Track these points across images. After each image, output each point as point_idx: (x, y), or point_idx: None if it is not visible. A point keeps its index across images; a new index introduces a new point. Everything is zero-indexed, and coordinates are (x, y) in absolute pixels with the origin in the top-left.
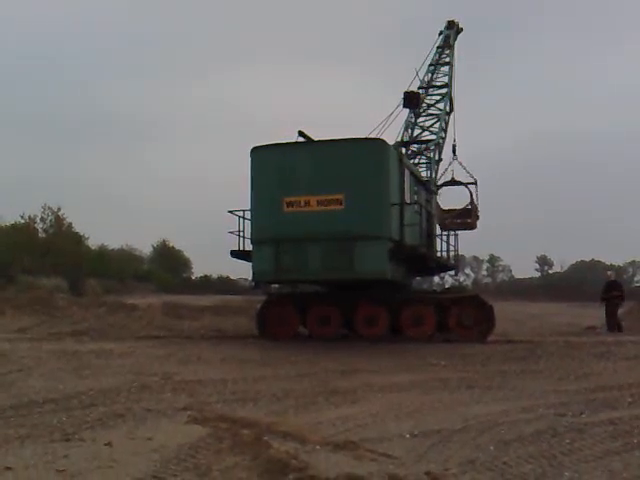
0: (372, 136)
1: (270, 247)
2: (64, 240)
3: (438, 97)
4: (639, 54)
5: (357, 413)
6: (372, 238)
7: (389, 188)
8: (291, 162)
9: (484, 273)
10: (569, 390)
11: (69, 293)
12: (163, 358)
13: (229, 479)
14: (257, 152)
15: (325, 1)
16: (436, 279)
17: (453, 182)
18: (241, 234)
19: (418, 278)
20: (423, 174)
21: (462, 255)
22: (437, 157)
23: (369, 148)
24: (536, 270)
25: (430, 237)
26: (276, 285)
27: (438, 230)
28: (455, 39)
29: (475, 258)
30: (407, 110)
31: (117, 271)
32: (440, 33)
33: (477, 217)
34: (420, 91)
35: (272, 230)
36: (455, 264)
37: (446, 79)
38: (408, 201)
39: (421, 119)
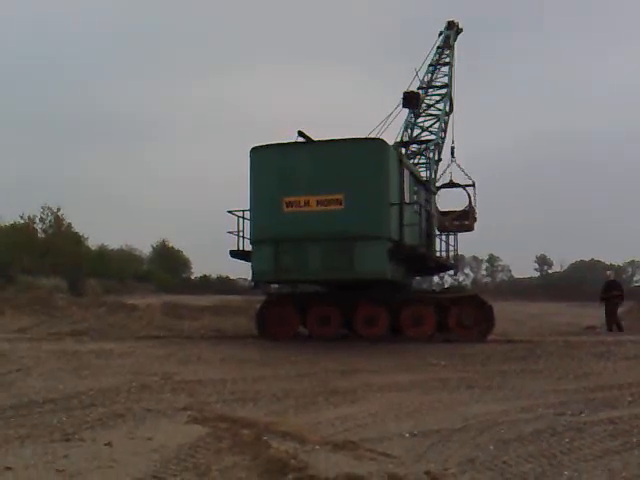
0: (372, 136)
1: (270, 247)
2: (64, 240)
3: (438, 97)
4: (639, 54)
5: (357, 413)
6: (372, 238)
7: (389, 188)
8: (291, 162)
9: (483, 273)
10: (568, 389)
11: (69, 293)
12: (163, 358)
13: (229, 479)
14: (257, 152)
15: (325, 1)
16: (436, 279)
17: (451, 184)
18: (240, 234)
19: (418, 278)
20: (423, 174)
21: (461, 255)
22: (436, 157)
23: (369, 148)
24: (535, 270)
25: (430, 237)
26: (276, 285)
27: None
28: (455, 39)
29: (474, 258)
30: (407, 110)
31: (117, 271)
32: (440, 33)
33: (475, 219)
34: (420, 91)
35: (272, 230)
36: (454, 264)
37: (446, 79)
38: (408, 201)
39: (421, 119)
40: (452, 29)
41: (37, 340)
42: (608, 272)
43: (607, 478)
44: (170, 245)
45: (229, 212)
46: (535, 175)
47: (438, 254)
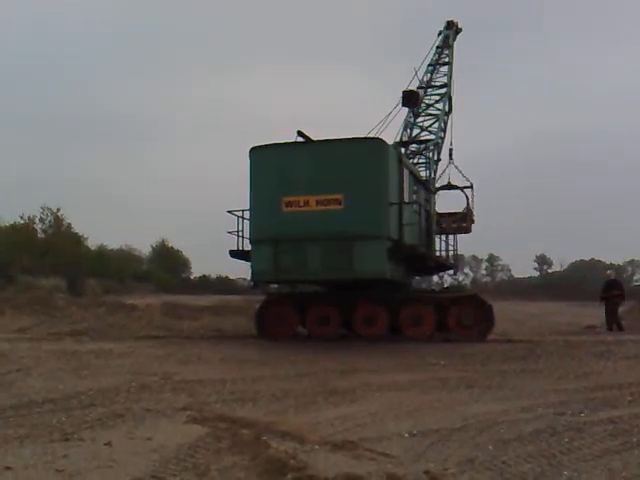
0: (371, 135)
1: (269, 247)
2: (63, 240)
3: (437, 97)
4: (639, 54)
5: (356, 413)
6: (371, 238)
7: (388, 188)
8: (290, 162)
9: (483, 272)
10: (568, 389)
11: (68, 293)
12: (162, 358)
13: (228, 479)
14: (256, 152)
15: (325, 1)
16: (435, 278)
17: (449, 186)
18: (240, 234)
19: (417, 278)
20: (422, 174)
21: (461, 254)
22: (436, 157)
23: (368, 148)
24: (535, 269)
25: (429, 236)
26: (275, 285)
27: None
28: (454, 39)
29: (474, 257)
30: (406, 109)
31: (116, 271)
32: (439, 33)
33: (472, 221)
34: (419, 91)
35: (271, 230)
36: (454, 263)
37: (445, 79)
38: (407, 200)
39: (420, 119)
40: (451, 29)
41: (37, 340)
42: (609, 271)
43: (607, 478)
44: (170, 245)
45: (229, 212)
46: (535, 175)
47: (438, 254)
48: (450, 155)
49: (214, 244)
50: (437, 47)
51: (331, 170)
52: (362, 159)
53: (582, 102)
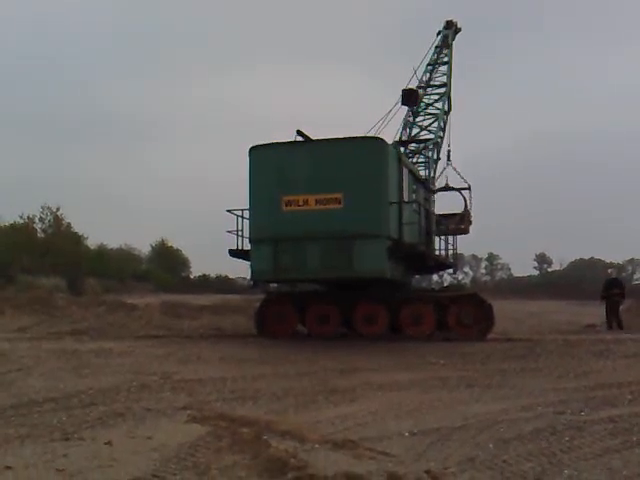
0: (370, 135)
1: (269, 246)
2: (63, 240)
3: (437, 96)
4: (639, 54)
5: (356, 412)
6: (371, 237)
7: (388, 187)
8: (290, 161)
9: (483, 271)
10: (568, 388)
11: (68, 292)
12: (162, 357)
13: (228, 478)
14: (256, 151)
15: (325, 1)
16: (435, 277)
17: (447, 188)
18: (240, 233)
19: (417, 277)
20: (421, 173)
21: (461, 253)
22: (435, 156)
23: (368, 147)
24: (535, 268)
25: (429, 235)
26: (275, 284)
27: None
28: (453, 39)
29: (474, 256)
30: (405, 108)
31: (116, 270)
32: (438, 33)
33: (470, 222)
34: (419, 90)
35: (271, 229)
36: (454, 262)
37: (444, 78)
38: (407, 200)
39: (419, 118)
40: (450, 28)
41: (37, 339)
42: (609, 270)
43: (607, 477)
44: (169, 244)
45: (228, 211)
46: (535, 175)
47: (437, 253)
48: (448, 157)
49: (214, 243)
50: (436, 47)
51: (331, 169)
52: (362, 158)
53: (582, 102)
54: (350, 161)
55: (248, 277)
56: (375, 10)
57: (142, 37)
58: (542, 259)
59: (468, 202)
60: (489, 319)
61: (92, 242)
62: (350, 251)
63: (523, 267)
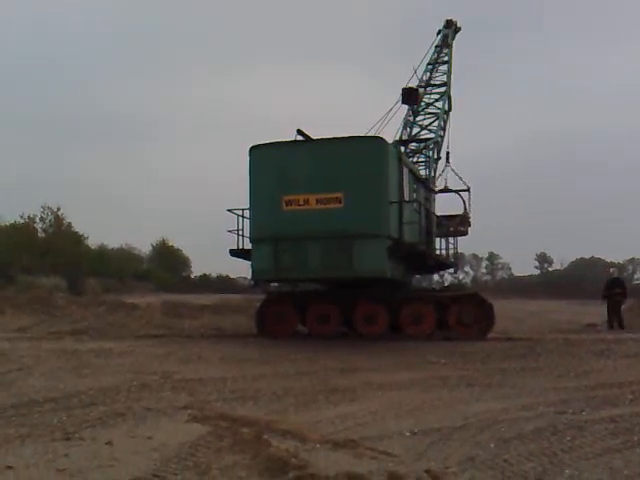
0: (371, 134)
1: (269, 246)
2: (63, 240)
3: (437, 96)
4: (639, 54)
5: (357, 411)
6: (371, 236)
7: (388, 186)
8: (290, 161)
9: (483, 271)
10: (569, 387)
11: (68, 292)
12: (163, 357)
13: (229, 477)
14: (256, 151)
15: (325, 1)
16: (435, 277)
17: (446, 190)
18: (240, 233)
19: (417, 276)
20: (422, 172)
21: (461, 253)
22: (436, 156)
23: (368, 146)
24: (536, 268)
25: (429, 235)
26: (275, 283)
27: None
28: (453, 38)
29: (474, 256)
30: (405, 108)
31: (116, 270)
32: (438, 32)
33: (469, 224)
34: (419, 88)
35: (271, 229)
36: (454, 262)
37: (445, 78)
38: (407, 199)
39: (420, 117)
40: (450, 28)
41: (37, 339)
42: (611, 269)
43: (608, 476)
44: (170, 244)
45: (228, 211)
46: (535, 175)
47: (438, 252)
48: (447, 158)
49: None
50: (436, 46)
51: (331, 169)
52: (362, 157)
53: (582, 102)
54: (350, 160)
55: (249, 277)
56: (375, 10)
57: (142, 37)
58: (543, 258)
59: (467, 204)
60: (489, 318)
61: (92, 242)
62: (350, 251)
63: (524, 266)
